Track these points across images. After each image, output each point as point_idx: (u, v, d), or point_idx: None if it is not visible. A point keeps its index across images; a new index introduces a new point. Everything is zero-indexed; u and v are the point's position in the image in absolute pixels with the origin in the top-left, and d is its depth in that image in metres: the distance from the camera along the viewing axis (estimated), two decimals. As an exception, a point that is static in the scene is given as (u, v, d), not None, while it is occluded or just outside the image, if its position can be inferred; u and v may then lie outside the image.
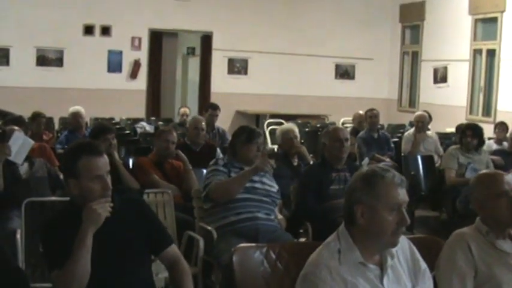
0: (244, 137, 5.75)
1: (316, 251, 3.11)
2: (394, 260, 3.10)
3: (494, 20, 14.74)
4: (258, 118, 16.74)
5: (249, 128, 5.98)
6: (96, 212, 3.42)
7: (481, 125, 9.12)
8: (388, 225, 2.98)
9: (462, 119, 13.87)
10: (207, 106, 11.15)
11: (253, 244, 4.21)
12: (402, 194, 3.02)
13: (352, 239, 3.05)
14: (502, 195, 3.65)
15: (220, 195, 5.49)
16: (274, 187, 5.76)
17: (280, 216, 5.82)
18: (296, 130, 7.74)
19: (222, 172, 5.62)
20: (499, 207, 3.63)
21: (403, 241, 3.20)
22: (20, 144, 6.20)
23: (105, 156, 3.58)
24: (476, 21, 15.31)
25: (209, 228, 5.46)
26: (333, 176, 6.11)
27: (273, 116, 15.90)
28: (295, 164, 7.42)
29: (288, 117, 15.09)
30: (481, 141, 8.63)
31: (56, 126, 12.57)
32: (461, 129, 9.01)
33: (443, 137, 11.57)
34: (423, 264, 3.22)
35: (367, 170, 3.11)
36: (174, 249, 3.76)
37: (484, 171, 4.19)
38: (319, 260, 3.02)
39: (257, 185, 5.60)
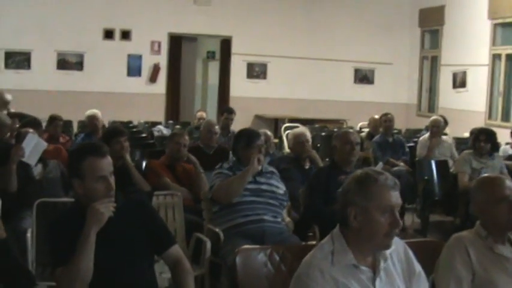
0: (244, 142, 5.84)
1: (310, 252, 3.15)
2: (387, 263, 3.13)
3: (513, 24, 14.73)
4: (277, 122, 16.76)
5: (248, 131, 6.09)
6: (99, 211, 3.49)
7: (500, 130, 9.12)
8: (380, 228, 3.01)
9: (481, 124, 13.78)
10: (223, 110, 11.22)
11: (256, 246, 4.25)
12: (395, 197, 3.04)
13: (346, 240, 3.08)
14: (502, 200, 3.65)
15: (223, 196, 5.57)
16: (282, 189, 5.81)
17: (287, 219, 5.86)
18: (308, 134, 7.75)
19: (226, 175, 5.69)
20: (499, 212, 3.63)
21: (399, 244, 3.22)
22: (33, 145, 6.29)
23: (109, 157, 3.65)
24: (495, 25, 15.27)
25: (216, 230, 5.51)
26: (342, 179, 6.12)
27: (291, 120, 15.90)
28: (307, 167, 7.44)
29: (307, 122, 15.13)
30: (495, 146, 8.60)
31: (75, 129, 12.68)
32: (474, 133, 9.00)
33: (461, 142, 11.52)
34: (418, 267, 3.23)
35: (361, 172, 3.14)
36: (176, 249, 3.80)
37: (486, 175, 4.19)
38: (312, 261, 3.05)
39: (264, 187, 5.67)
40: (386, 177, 3.04)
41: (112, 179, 3.61)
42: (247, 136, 5.89)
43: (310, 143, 7.68)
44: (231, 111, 10.62)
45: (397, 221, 3.02)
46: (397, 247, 3.20)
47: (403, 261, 3.21)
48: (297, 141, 7.57)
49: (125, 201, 3.71)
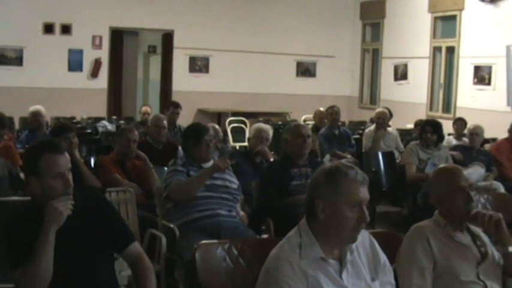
0: (193, 138, 5.79)
1: (277, 245, 3.14)
2: (353, 255, 3.15)
3: (453, 17, 14.93)
4: (220, 116, 16.72)
5: (195, 127, 6.03)
6: (58, 210, 3.41)
7: (441, 121, 9.22)
8: (348, 222, 3.02)
9: (422, 116, 14.03)
10: (169, 104, 11.15)
11: (215, 241, 4.22)
12: (363, 192, 3.07)
13: (313, 233, 3.08)
14: (459, 190, 3.71)
15: (181, 196, 5.53)
16: (235, 183, 5.81)
17: (242, 213, 5.85)
18: (270, 133, 7.71)
19: (181, 172, 5.65)
20: (455, 202, 3.69)
21: (364, 235, 3.24)
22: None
23: (66, 154, 3.57)
24: (435, 19, 15.49)
25: (171, 225, 5.47)
26: (294, 172, 6.16)
27: (234, 114, 15.93)
28: (258, 161, 7.43)
29: (250, 115, 15.16)
30: (441, 137, 8.73)
31: (17, 126, 12.44)
32: (421, 125, 9.12)
33: (404, 134, 11.68)
34: (383, 257, 3.26)
35: (331, 165, 3.14)
36: (136, 246, 3.76)
37: (443, 165, 4.25)
38: (281, 254, 3.05)
39: (218, 182, 5.65)
40: (357, 172, 3.07)
41: (70, 176, 3.54)
42: (196, 131, 5.84)
43: (268, 142, 7.65)
44: (177, 106, 10.56)
45: (365, 215, 3.05)
46: (363, 239, 3.22)
47: (369, 253, 3.24)
48: (258, 136, 7.54)
49: (84, 199, 3.64)
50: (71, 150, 6.40)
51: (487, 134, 10.02)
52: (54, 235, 3.39)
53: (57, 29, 16.14)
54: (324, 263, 3.06)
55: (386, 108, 11.59)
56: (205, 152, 5.78)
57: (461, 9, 14.58)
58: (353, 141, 10.85)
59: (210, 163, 5.77)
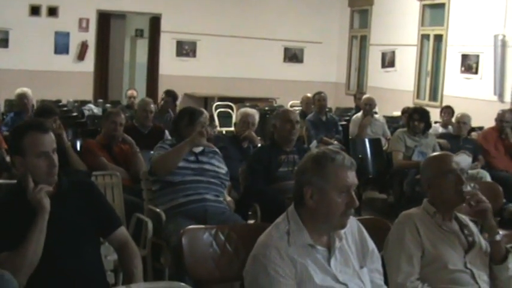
0: (187, 120, 5.77)
1: (265, 232, 3.12)
2: (342, 242, 3.13)
3: (441, 6, 14.94)
4: (206, 101, 16.70)
5: (190, 109, 5.99)
6: (36, 201, 3.37)
7: (428, 109, 9.22)
8: (336, 207, 3.01)
9: (409, 103, 14.03)
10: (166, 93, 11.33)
11: (202, 226, 4.20)
12: (351, 177, 3.04)
13: (301, 220, 3.07)
14: (449, 172, 3.70)
15: (161, 167, 5.48)
16: (223, 169, 5.77)
17: (229, 198, 5.83)
18: (256, 118, 7.69)
19: (166, 149, 5.61)
20: (446, 185, 3.68)
21: (352, 222, 3.23)
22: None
23: (52, 134, 3.54)
24: (424, 6, 15.50)
25: (158, 210, 5.44)
26: (282, 158, 6.15)
27: (221, 98, 15.91)
28: (245, 146, 7.41)
29: (237, 100, 15.12)
30: (428, 125, 8.74)
31: (1, 109, 12.34)
32: (408, 113, 9.12)
33: (391, 121, 11.69)
34: (371, 245, 3.25)
35: (318, 151, 3.12)
36: (122, 231, 3.73)
37: (434, 153, 4.26)
38: (269, 241, 3.03)
39: (206, 167, 5.61)
40: (344, 157, 3.04)
41: (55, 157, 3.50)
42: (190, 113, 5.81)
43: (255, 127, 7.63)
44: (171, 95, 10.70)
45: (354, 200, 3.02)
46: (351, 226, 3.21)
47: (357, 240, 3.22)
48: (244, 120, 7.53)
49: (71, 182, 3.61)
50: (60, 133, 6.36)
51: (474, 123, 10.03)
52: (46, 222, 3.37)
53: (44, 11, 16.04)
54: (313, 249, 3.04)
55: (362, 93, 11.64)
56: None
57: (449, -3, 14.59)
58: (340, 128, 10.84)
59: (200, 149, 5.75)
